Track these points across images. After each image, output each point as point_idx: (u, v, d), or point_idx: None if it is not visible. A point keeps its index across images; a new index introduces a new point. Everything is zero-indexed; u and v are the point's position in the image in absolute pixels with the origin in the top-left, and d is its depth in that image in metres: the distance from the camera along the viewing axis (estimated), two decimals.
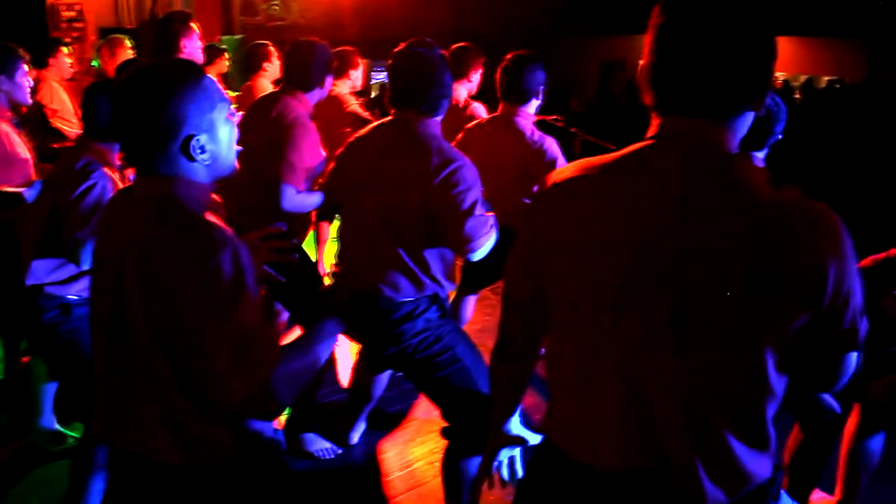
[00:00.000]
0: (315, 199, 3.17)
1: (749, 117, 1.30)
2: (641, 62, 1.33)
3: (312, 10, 11.10)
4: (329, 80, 3.39)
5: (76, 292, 2.62)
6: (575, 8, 11.02)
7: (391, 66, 2.55)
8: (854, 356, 1.33)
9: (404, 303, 2.47)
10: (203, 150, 1.54)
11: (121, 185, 2.54)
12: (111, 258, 1.56)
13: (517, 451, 1.77)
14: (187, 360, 1.49)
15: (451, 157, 2.39)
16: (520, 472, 1.77)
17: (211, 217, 1.53)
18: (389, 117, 2.57)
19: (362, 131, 2.66)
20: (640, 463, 1.28)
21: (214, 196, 1.65)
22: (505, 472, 1.78)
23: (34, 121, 5.05)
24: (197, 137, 1.52)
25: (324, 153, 3.31)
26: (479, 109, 4.42)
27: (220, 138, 1.58)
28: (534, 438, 1.67)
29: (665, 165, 1.26)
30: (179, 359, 1.49)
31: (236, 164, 1.66)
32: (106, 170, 2.56)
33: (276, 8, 10.90)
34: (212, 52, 6.27)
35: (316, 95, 3.35)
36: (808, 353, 1.30)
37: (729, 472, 1.27)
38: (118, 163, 2.66)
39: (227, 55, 6.36)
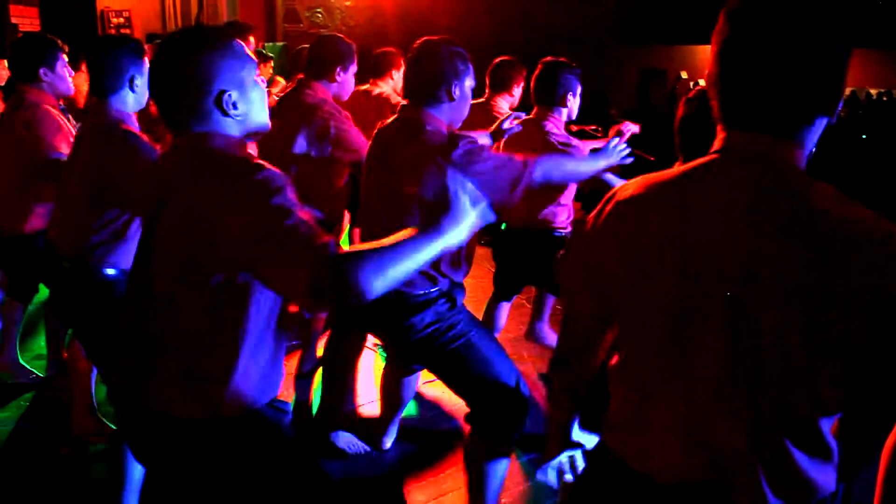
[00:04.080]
0: None
1: (821, 124, 1.24)
2: (707, 70, 1.29)
3: (355, 18, 11.19)
4: (344, 74, 3.40)
5: (110, 263, 2.65)
6: (616, 17, 10.96)
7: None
8: None
9: (414, 295, 2.49)
10: (235, 107, 1.61)
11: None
12: (146, 209, 1.66)
13: (578, 452, 1.77)
14: (258, 274, 1.53)
15: (434, 143, 2.40)
16: (580, 467, 1.78)
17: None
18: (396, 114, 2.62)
19: (378, 129, 2.71)
20: (703, 476, 1.27)
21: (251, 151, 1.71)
22: (568, 475, 1.78)
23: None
24: (229, 93, 1.60)
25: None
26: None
27: (251, 97, 1.65)
28: (591, 441, 1.67)
29: (731, 182, 1.23)
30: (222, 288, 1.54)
31: (269, 122, 1.72)
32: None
33: (319, 16, 11.03)
34: (258, 57, 6.37)
35: (332, 87, 3.37)
36: (877, 382, 1.24)
37: (792, 484, 1.24)
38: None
39: (271, 62, 6.46)
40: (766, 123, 1.22)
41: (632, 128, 3.54)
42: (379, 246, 1.49)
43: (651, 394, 1.33)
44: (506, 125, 3.15)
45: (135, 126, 2.67)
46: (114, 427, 3.36)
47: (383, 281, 1.46)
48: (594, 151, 3.00)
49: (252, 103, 1.66)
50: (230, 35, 1.65)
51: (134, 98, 2.67)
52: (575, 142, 3.50)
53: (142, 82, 2.66)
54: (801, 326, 1.16)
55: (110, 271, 2.65)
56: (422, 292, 2.50)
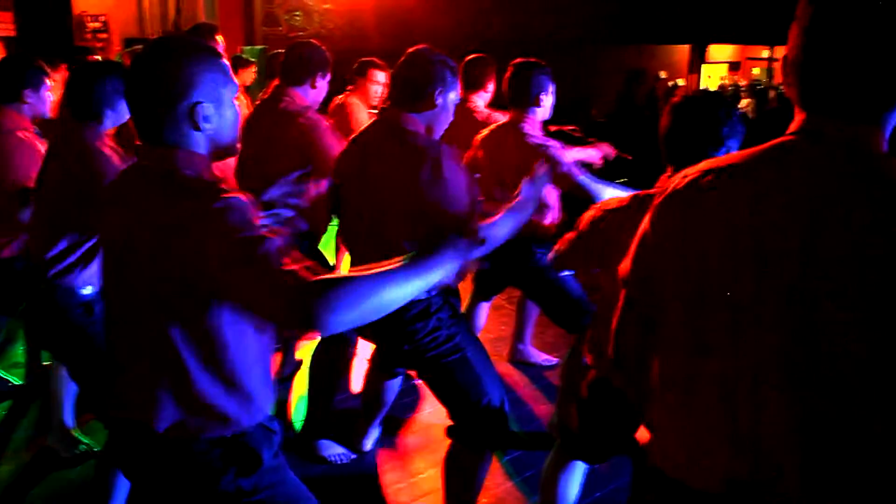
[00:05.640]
0: None
1: None
2: (785, 51, 1.23)
3: (335, 20, 11.16)
4: (322, 81, 3.41)
5: (86, 282, 2.65)
6: (598, 17, 11.01)
7: None
8: None
9: (417, 301, 2.49)
10: (207, 120, 1.60)
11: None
12: (116, 231, 1.64)
13: None
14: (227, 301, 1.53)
15: (421, 146, 2.42)
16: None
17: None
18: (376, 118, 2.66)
19: (356, 132, 2.72)
20: (741, 480, 1.21)
21: (217, 172, 1.69)
22: None
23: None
24: (203, 105, 1.58)
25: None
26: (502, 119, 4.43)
27: (225, 114, 1.64)
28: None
29: (807, 166, 1.17)
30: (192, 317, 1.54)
31: (237, 141, 1.72)
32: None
33: (298, 18, 10.98)
34: (239, 63, 6.33)
35: (310, 94, 3.37)
36: None
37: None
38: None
39: (254, 66, 6.41)
40: (848, 108, 1.17)
41: (605, 149, 3.58)
42: (358, 276, 1.47)
43: (694, 397, 1.26)
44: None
45: (106, 143, 2.67)
46: (87, 441, 3.35)
47: (355, 314, 1.44)
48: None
49: (225, 121, 1.64)
50: (217, 52, 1.65)
51: (113, 119, 2.69)
52: (552, 143, 3.50)
53: (122, 105, 2.66)
54: (877, 326, 1.09)
55: (87, 290, 2.65)
56: (423, 297, 2.50)
